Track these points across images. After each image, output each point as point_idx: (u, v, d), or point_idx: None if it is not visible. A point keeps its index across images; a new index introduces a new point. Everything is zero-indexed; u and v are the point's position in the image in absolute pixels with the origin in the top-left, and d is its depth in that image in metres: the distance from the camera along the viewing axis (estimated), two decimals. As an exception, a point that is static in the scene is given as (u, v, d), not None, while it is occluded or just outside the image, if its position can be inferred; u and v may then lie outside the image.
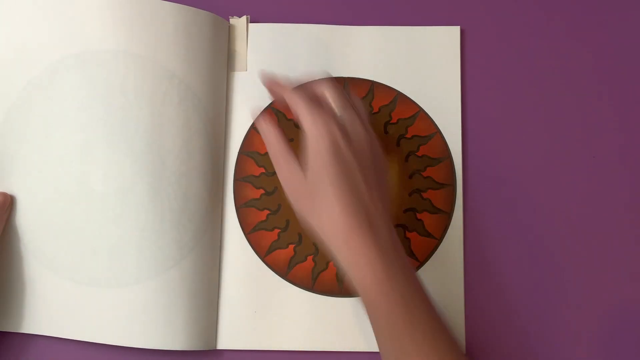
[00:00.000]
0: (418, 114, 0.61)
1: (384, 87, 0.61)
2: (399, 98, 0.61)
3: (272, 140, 0.52)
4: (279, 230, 0.59)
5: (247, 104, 0.61)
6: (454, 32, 0.62)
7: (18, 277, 0.56)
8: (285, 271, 0.59)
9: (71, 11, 0.57)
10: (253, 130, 0.61)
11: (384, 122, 0.61)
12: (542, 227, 0.60)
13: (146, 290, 0.55)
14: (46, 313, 0.56)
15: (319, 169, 0.48)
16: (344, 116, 0.50)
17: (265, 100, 0.61)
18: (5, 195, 0.56)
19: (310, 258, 0.59)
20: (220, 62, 0.60)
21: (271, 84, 0.55)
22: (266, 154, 0.60)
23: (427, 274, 0.59)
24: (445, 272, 0.59)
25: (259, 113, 0.57)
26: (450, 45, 0.62)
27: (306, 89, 0.52)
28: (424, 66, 0.61)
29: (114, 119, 0.56)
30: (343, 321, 0.58)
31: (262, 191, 0.60)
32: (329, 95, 0.51)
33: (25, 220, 0.56)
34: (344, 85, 0.61)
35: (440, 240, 0.59)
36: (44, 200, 0.56)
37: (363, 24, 0.62)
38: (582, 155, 0.62)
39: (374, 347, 0.58)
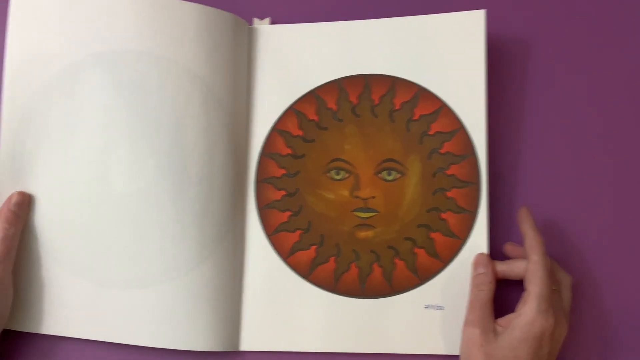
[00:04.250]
0: (441, 109, 0.59)
1: (405, 83, 0.59)
2: (420, 94, 0.59)
3: (483, 298, 0.54)
4: (301, 231, 0.59)
5: (268, 105, 0.61)
6: (478, 16, 0.59)
7: (36, 278, 0.57)
8: (307, 272, 0.59)
9: (93, 11, 0.58)
10: (274, 132, 0.61)
11: (405, 119, 0.59)
12: (570, 225, 0.58)
13: (168, 291, 0.56)
14: (66, 314, 0.57)
15: (515, 346, 0.51)
16: (555, 304, 0.52)
17: (285, 103, 0.61)
18: (23, 194, 0.57)
19: (332, 259, 0.59)
20: (241, 63, 0.61)
21: (525, 217, 0.55)
22: (287, 155, 0.60)
23: (452, 275, 0.57)
24: (470, 273, 0.56)
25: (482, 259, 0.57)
26: (474, 31, 0.58)
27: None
28: (446, 57, 0.59)
29: (136, 119, 0.57)
30: (365, 323, 0.57)
31: (283, 192, 0.60)
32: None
33: (44, 220, 0.57)
34: (365, 83, 0.60)
35: (464, 240, 0.57)
36: (63, 201, 0.57)
37: (383, 16, 0.60)
38: (611, 154, 0.59)
39: (396, 348, 0.57)
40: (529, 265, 0.52)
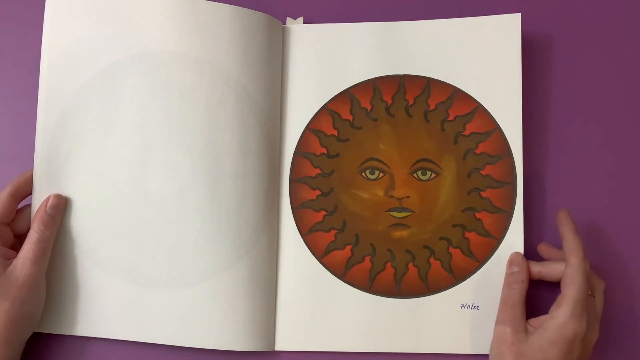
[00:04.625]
0: (476, 110, 0.59)
1: (440, 84, 0.60)
2: (456, 94, 0.59)
3: (514, 297, 0.54)
4: (336, 231, 0.59)
5: (302, 105, 0.61)
6: (514, 20, 0.59)
7: (72, 279, 0.57)
8: (343, 272, 0.59)
9: (129, 14, 0.58)
10: (308, 131, 0.60)
11: (440, 120, 0.59)
12: (606, 228, 0.58)
13: (204, 291, 0.56)
14: (101, 315, 0.57)
15: (545, 347, 0.51)
16: (589, 309, 0.52)
17: (319, 102, 0.60)
18: (59, 197, 0.57)
19: (367, 259, 0.59)
20: (275, 63, 0.60)
21: (565, 219, 0.55)
22: (322, 154, 0.60)
23: (487, 275, 0.57)
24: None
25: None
26: (510, 35, 0.59)
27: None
28: (482, 59, 0.59)
29: (172, 120, 0.57)
30: (400, 322, 0.58)
31: (318, 192, 0.60)
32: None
33: (79, 221, 0.57)
34: (400, 83, 0.60)
35: (500, 240, 0.57)
36: (99, 202, 0.57)
37: (417, 18, 0.61)
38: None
39: (431, 348, 0.57)
40: (567, 269, 0.52)
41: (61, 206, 0.57)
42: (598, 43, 0.61)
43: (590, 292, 0.53)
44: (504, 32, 0.59)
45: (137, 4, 0.58)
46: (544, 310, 0.53)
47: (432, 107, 0.60)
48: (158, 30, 0.57)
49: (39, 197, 0.57)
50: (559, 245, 0.56)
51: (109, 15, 0.58)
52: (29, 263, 0.53)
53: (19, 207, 0.57)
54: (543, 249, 0.57)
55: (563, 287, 0.52)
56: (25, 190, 0.57)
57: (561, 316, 0.51)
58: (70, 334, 0.57)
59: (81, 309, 0.57)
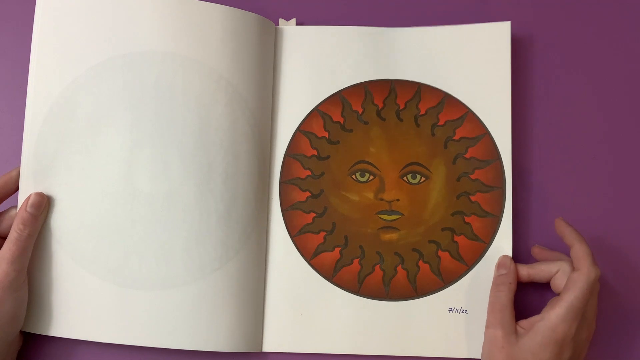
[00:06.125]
0: (466, 115, 0.60)
1: (431, 89, 0.60)
2: (446, 100, 0.60)
3: (502, 299, 0.54)
4: (325, 232, 0.59)
5: (293, 106, 0.61)
6: (504, 28, 0.60)
7: (57, 280, 0.56)
8: (331, 274, 0.59)
9: (120, 12, 0.57)
10: (299, 132, 0.60)
11: (430, 124, 0.60)
12: (594, 231, 0.59)
13: (192, 292, 0.56)
14: (88, 317, 0.55)
15: (536, 350, 0.51)
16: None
17: (310, 104, 0.61)
18: (41, 195, 0.55)
19: (356, 261, 0.59)
20: (267, 64, 0.60)
21: (566, 228, 0.55)
22: (312, 156, 0.60)
23: (476, 278, 0.58)
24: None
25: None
26: (500, 42, 0.60)
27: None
28: (473, 65, 0.60)
29: (162, 120, 0.57)
30: (389, 325, 0.58)
31: (308, 194, 0.60)
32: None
33: (66, 222, 0.56)
34: (391, 88, 0.60)
35: (489, 244, 0.58)
36: (86, 201, 0.56)
37: (409, 25, 0.61)
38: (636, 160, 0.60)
39: (419, 351, 0.57)
40: (573, 274, 0.52)
41: (43, 204, 0.55)
42: (586, 50, 0.62)
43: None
44: (494, 39, 0.60)
45: (129, 2, 0.57)
46: (533, 312, 0.53)
47: (422, 111, 0.60)
48: (149, 29, 0.57)
49: (25, 196, 0.55)
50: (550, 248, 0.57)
51: (100, 13, 0.57)
52: (5, 262, 0.52)
53: (6, 208, 0.56)
54: (537, 251, 0.57)
55: (563, 290, 0.52)
56: (6, 190, 0.56)
57: (551, 319, 0.51)
58: (57, 335, 0.56)
59: (67, 310, 0.56)
